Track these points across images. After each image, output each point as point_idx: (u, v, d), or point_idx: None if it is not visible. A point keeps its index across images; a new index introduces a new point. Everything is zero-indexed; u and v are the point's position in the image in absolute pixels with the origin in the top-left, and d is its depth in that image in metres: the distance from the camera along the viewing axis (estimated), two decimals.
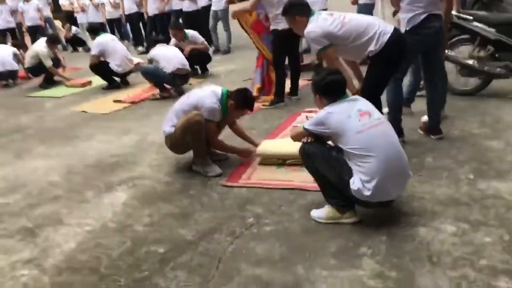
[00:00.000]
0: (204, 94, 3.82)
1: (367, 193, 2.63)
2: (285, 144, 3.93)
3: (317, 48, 3.44)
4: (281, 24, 5.38)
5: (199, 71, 7.86)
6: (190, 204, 3.36)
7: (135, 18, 11.86)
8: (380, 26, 3.41)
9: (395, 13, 6.78)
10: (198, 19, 10.21)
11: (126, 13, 11.78)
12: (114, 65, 7.35)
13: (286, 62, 5.80)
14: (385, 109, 4.57)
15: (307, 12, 3.57)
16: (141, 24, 12.12)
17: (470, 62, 4.79)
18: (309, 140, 2.91)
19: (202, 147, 3.86)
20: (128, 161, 4.35)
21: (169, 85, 6.67)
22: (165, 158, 4.32)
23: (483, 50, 4.84)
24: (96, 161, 4.41)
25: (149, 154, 4.49)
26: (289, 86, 5.81)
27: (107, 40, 7.43)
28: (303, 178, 3.53)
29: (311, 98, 6.08)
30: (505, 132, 3.95)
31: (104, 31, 10.17)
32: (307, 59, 7.43)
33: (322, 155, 2.82)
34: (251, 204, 3.26)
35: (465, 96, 5.01)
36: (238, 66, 8.47)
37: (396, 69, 3.58)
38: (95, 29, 7.67)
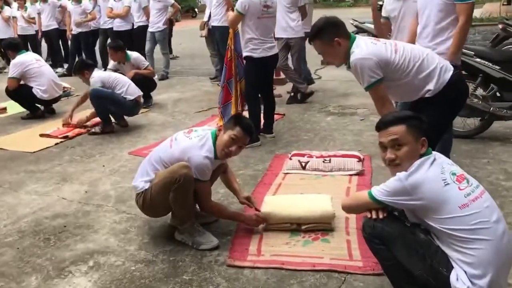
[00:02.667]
0: (190, 144, 2.85)
1: None
2: (294, 202, 3.11)
3: (368, 81, 2.62)
4: (258, 51, 4.62)
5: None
6: None
7: (54, 35, 10.43)
8: (440, 60, 2.72)
9: None
10: (131, 39, 9.11)
11: (44, 29, 10.33)
12: (38, 90, 6.05)
13: None
14: None
15: (348, 34, 2.75)
16: (60, 43, 10.72)
17: (474, 101, 4.32)
18: (380, 216, 2.09)
19: (190, 210, 2.91)
20: (79, 224, 3.24)
21: (129, 114, 5.60)
22: (131, 219, 3.28)
23: (485, 88, 4.41)
24: (32, 225, 3.25)
25: (107, 213, 3.40)
26: (263, 122, 5.00)
27: (31, 59, 6.13)
28: (333, 252, 2.72)
29: (288, 136, 5.43)
30: None
31: None
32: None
33: (403, 238, 2.02)
34: None
35: (462, 138, 4.52)
36: (184, 94, 7.52)
37: (454, 116, 2.91)
38: (14, 45, 6.29)
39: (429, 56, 2.67)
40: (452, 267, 1.92)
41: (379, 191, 2.06)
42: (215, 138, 2.89)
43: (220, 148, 2.85)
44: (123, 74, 6.12)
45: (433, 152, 2.11)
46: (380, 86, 2.61)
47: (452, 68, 2.69)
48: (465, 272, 1.89)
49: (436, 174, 1.97)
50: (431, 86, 2.63)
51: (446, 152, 3.34)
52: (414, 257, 1.99)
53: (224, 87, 5.07)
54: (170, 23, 11.55)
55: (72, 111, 5.60)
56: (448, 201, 1.92)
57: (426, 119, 2.67)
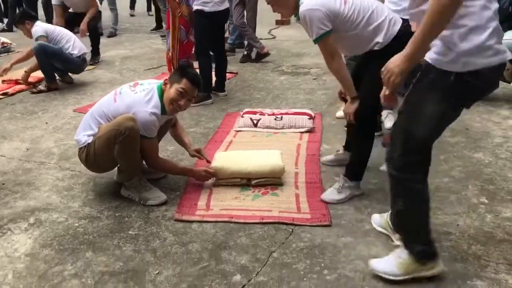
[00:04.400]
0: (135, 99, 2.72)
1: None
2: (245, 157, 3.08)
3: (317, 33, 2.56)
4: (209, 5, 4.47)
5: None
6: (136, 253, 2.33)
7: None
8: (389, 12, 2.69)
9: None
10: None
11: None
12: None
13: None
14: None
15: None
16: None
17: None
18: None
19: (136, 165, 2.82)
20: (19, 182, 3.09)
21: (76, 71, 5.31)
22: (75, 176, 3.16)
23: None
24: None
25: (49, 170, 3.26)
26: (215, 80, 4.89)
27: None
28: (282, 205, 2.73)
29: (240, 94, 5.34)
30: (482, 142, 3.56)
31: None
32: None
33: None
34: (227, 249, 2.34)
35: None
36: (133, 51, 7.25)
37: None
38: None
39: (378, 9, 2.64)
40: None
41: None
42: (161, 92, 2.78)
43: (168, 103, 2.75)
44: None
45: None
46: (328, 38, 2.56)
47: (401, 21, 2.67)
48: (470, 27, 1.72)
49: None
50: (380, 38, 2.60)
51: None
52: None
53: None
54: None
55: (10, 66, 5.23)
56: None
57: (375, 73, 2.69)
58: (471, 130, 3.81)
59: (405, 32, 2.63)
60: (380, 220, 2.45)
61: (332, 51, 2.59)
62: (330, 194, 2.79)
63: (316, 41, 2.58)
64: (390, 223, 2.35)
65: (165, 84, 2.78)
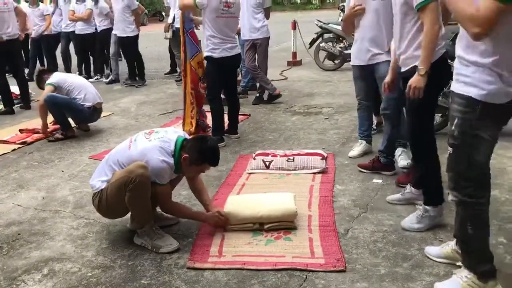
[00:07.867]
0: (149, 147, 2.76)
1: None
2: (257, 201, 3.07)
3: None
4: (218, 51, 4.57)
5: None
6: None
7: None
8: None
9: None
10: (94, 43, 8.94)
11: None
12: None
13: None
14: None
15: None
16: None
17: None
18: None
19: (147, 212, 2.83)
20: (34, 232, 3.12)
21: (86, 122, 5.40)
22: (89, 224, 3.18)
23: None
24: None
25: (64, 219, 3.29)
26: (227, 123, 4.95)
27: None
28: (295, 250, 2.69)
29: (253, 136, 5.39)
30: (498, 178, 3.50)
31: None
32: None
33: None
34: None
35: None
36: (148, 97, 7.40)
37: (439, 93, 2.89)
38: None
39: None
40: None
41: None
42: (180, 149, 2.80)
43: (184, 173, 2.97)
44: None
45: None
46: (431, 5, 2.55)
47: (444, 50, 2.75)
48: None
49: None
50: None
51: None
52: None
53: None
54: None
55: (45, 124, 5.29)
56: None
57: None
58: None
59: (446, 58, 2.74)
60: (440, 250, 2.50)
61: (434, 18, 2.57)
62: (409, 221, 2.84)
63: (419, 6, 2.58)
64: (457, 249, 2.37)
65: (184, 160, 2.78)
